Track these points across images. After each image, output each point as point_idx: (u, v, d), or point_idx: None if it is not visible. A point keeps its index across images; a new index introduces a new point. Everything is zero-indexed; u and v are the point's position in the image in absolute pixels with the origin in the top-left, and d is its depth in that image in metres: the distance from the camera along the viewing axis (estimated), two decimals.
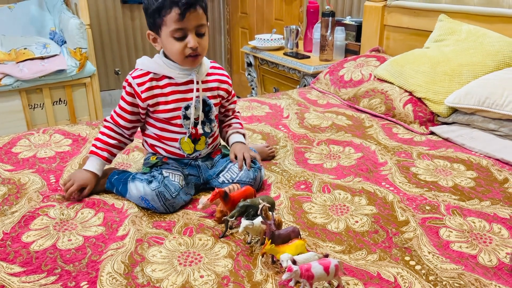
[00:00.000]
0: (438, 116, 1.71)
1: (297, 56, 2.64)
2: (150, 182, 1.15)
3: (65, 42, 3.03)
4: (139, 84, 1.19)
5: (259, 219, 1.00)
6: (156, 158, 1.24)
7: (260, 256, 0.96)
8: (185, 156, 1.26)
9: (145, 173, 1.21)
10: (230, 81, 1.34)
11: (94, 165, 1.23)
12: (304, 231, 1.08)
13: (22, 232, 1.05)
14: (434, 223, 1.10)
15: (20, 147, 1.53)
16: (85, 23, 2.89)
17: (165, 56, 1.23)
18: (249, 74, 3.11)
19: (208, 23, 1.21)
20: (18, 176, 1.33)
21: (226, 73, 1.34)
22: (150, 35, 1.21)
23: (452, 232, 1.07)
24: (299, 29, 2.75)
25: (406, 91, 1.81)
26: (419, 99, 1.76)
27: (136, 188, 1.16)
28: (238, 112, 1.44)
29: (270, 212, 1.05)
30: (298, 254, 0.91)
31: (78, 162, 1.42)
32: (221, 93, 1.31)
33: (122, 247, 0.99)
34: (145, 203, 1.14)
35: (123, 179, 1.21)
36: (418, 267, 0.95)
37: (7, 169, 1.37)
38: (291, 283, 0.85)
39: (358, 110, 1.94)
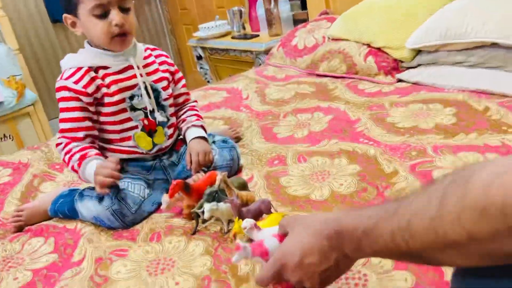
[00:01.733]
0: (402, 62, 1.61)
1: (246, 37, 2.51)
2: (101, 199, 0.98)
3: None
4: (76, 82, 1.01)
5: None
6: None
7: (234, 240, 0.82)
8: (144, 153, 1.09)
9: (94, 188, 1.05)
10: (170, 60, 1.18)
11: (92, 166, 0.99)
12: (286, 206, 0.95)
13: None
14: (425, 167, 1.00)
15: None
16: (14, 48, 2.67)
17: (91, 45, 1.06)
18: (201, 68, 2.96)
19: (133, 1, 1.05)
20: None
21: (164, 52, 1.19)
22: (67, 18, 1.02)
23: (447, 171, 0.96)
24: (242, 10, 2.62)
25: (363, 44, 1.71)
26: (379, 49, 1.66)
27: (87, 208, 0.99)
28: (195, 101, 1.25)
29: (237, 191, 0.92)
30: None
31: (20, 190, 1.24)
32: (165, 74, 1.14)
33: (79, 273, 0.83)
34: (101, 223, 0.98)
35: (69, 201, 1.03)
36: None
37: None
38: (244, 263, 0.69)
39: (318, 75, 1.82)
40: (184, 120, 1.18)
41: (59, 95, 1.03)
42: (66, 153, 1.01)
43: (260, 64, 2.35)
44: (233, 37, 2.58)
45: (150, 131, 1.09)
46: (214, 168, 1.10)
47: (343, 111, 1.41)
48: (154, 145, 1.10)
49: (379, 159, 1.07)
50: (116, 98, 1.04)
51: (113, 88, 1.04)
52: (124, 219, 0.96)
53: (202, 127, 1.17)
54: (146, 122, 1.08)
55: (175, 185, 0.91)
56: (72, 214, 1.03)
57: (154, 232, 0.93)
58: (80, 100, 1.01)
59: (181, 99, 1.21)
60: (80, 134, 1.03)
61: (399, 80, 1.57)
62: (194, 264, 0.81)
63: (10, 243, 0.98)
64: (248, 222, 0.68)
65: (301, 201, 0.96)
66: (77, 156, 0.99)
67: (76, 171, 1.01)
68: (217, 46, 2.63)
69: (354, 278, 0.71)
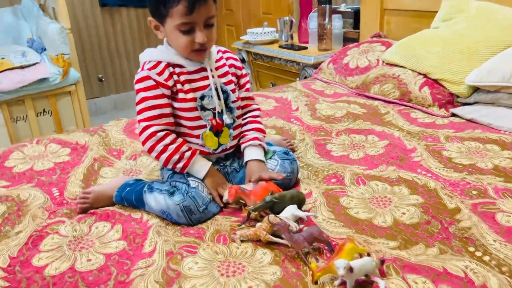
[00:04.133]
0: (458, 97, 1.63)
1: (293, 48, 2.54)
2: (172, 193, 1.01)
3: (45, 50, 2.85)
4: (159, 74, 1.06)
5: (290, 210, 0.96)
6: None
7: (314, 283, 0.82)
8: (211, 152, 1.13)
9: (164, 182, 1.09)
10: (240, 64, 1.22)
11: (203, 164, 1.09)
12: (349, 228, 0.97)
13: (32, 254, 0.91)
14: (488, 208, 1.01)
15: (13, 160, 1.38)
16: (66, 27, 2.73)
17: (169, 45, 1.10)
18: None
19: (216, 11, 1.09)
20: (16, 192, 1.18)
21: (234, 55, 1.22)
22: (152, 22, 1.08)
23: (510, 216, 0.98)
24: (293, 20, 2.65)
25: (419, 73, 1.73)
26: (435, 80, 1.67)
27: (156, 200, 1.02)
28: (258, 109, 1.26)
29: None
30: (352, 260, 0.80)
31: (82, 171, 1.28)
32: (233, 78, 1.17)
33: (152, 264, 0.86)
34: (168, 217, 1.01)
35: (136, 191, 1.08)
36: (486, 258, 0.85)
37: (2, 185, 1.23)
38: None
39: (368, 97, 1.85)
40: (244, 135, 1.20)
41: (142, 84, 1.06)
42: (170, 143, 1.06)
43: (305, 77, 2.38)
44: (280, 46, 2.61)
45: (217, 131, 1.13)
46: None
47: (397, 137, 1.43)
48: (219, 145, 1.14)
49: (440, 193, 1.08)
50: (189, 96, 1.09)
51: (187, 86, 1.09)
52: (191, 216, 0.99)
53: (261, 146, 1.18)
54: (214, 122, 1.12)
55: (233, 189, 1.02)
56: (138, 204, 1.06)
57: (220, 233, 0.96)
58: (159, 88, 1.06)
59: (243, 103, 1.23)
60: (172, 119, 1.08)
61: (453, 115, 1.59)
62: (264, 271, 0.84)
63: (78, 224, 1.02)
64: (342, 263, 0.72)
65: (364, 225, 0.98)
66: (186, 148, 1.08)
67: (178, 161, 1.07)
68: (263, 52, 2.66)
69: None
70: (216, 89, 1.11)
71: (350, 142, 1.43)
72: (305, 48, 2.53)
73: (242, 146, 1.18)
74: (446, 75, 1.64)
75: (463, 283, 0.79)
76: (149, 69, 1.06)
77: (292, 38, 2.69)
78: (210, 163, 1.10)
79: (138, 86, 1.07)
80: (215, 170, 1.11)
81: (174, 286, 0.80)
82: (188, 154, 1.07)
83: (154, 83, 1.06)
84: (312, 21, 2.53)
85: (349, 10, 2.49)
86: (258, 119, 1.24)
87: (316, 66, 2.31)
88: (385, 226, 0.97)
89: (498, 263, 0.83)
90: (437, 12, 1.95)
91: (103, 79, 3.82)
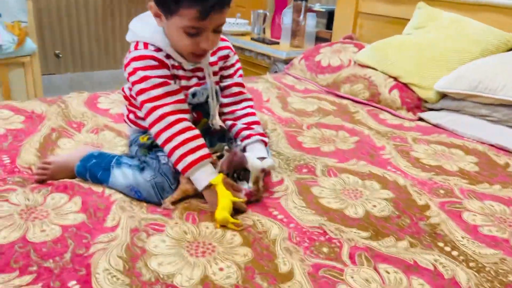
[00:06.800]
0: (426, 102, 1.66)
1: (265, 41, 2.52)
2: (142, 169, 0.95)
3: (0, 16, 2.65)
4: (162, 57, 0.97)
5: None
6: (148, 139, 1.03)
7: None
8: None
9: (133, 157, 1.02)
10: (230, 45, 1.14)
11: (208, 172, 0.94)
12: (321, 216, 0.95)
13: None
14: (455, 207, 1.03)
15: None
16: None
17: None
18: None
19: None
20: None
21: (229, 44, 1.13)
22: (153, 8, 0.94)
23: (476, 215, 1.00)
24: (267, 14, 2.63)
25: (390, 76, 1.75)
26: (405, 84, 1.70)
27: (124, 175, 0.95)
28: (251, 99, 1.18)
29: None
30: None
31: (38, 140, 1.18)
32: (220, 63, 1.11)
33: (115, 240, 0.80)
34: (136, 194, 0.94)
35: (104, 164, 0.99)
36: (455, 253, 0.86)
37: None
38: None
39: (338, 96, 1.85)
40: (247, 127, 1.12)
41: (142, 63, 0.94)
42: (179, 132, 0.93)
43: (276, 71, 2.36)
44: (252, 39, 2.58)
45: (194, 121, 1.05)
46: None
47: (367, 135, 1.44)
48: None
49: (410, 190, 1.09)
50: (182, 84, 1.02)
51: (182, 83, 1.02)
52: (163, 194, 0.93)
53: (264, 143, 1.12)
54: (195, 114, 1.06)
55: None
56: (102, 178, 0.98)
57: (189, 212, 0.91)
58: (167, 69, 0.97)
59: (236, 89, 1.15)
60: (183, 96, 0.98)
61: (420, 119, 1.62)
62: (235, 252, 0.80)
63: (32, 193, 0.93)
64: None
65: (336, 214, 0.97)
66: (199, 143, 0.94)
67: (181, 158, 0.92)
68: (235, 43, 2.62)
69: None
70: (212, 94, 1.06)
71: (321, 135, 1.42)
72: (277, 43, 2.51)
73: (249, 140, 1.09)
74: (416, 79, 1.68)
75: (433, 275, 0.79)
76: (154, 50, 0.95)
77: (264, 32, 2.67)
78: (220, 174, 0.93)
79: (136, 65, 0.94)
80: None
81: (139, 262, 0.74)
82: (196, 155, 0.92)
83: (157, 63, 0.94)
84: (286, 17, 2.52)
85: (323, 10, 2.50)
86: (254, 111, 1.18)
87: (287, 61, 2.30)
88: (356, 217, 0.96)
89: (466, 258, 0.84)
90: (409, 20, 2.00)
91: (61, 56, 3.61)
